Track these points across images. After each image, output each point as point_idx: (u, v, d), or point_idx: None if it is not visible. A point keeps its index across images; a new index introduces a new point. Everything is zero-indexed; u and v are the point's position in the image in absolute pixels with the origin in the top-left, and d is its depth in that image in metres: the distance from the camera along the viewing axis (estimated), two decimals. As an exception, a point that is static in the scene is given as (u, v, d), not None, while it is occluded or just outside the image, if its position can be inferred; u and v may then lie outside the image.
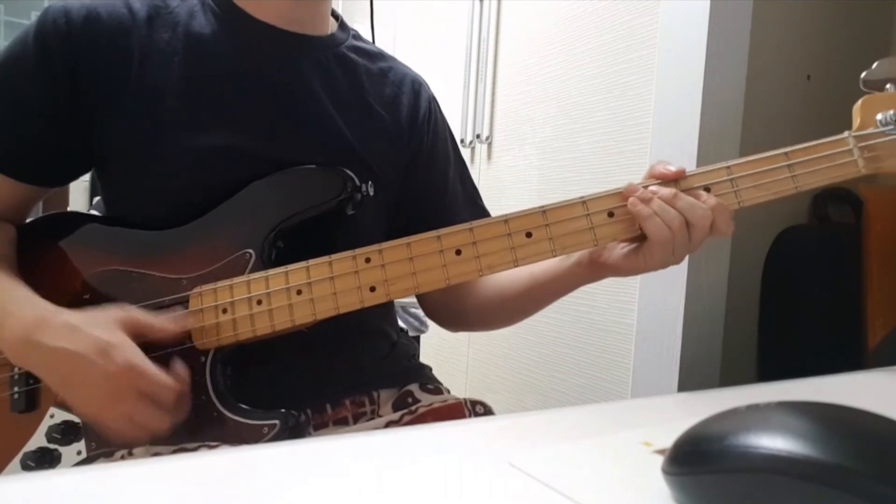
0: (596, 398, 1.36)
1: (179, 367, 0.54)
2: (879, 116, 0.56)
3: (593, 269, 0.63)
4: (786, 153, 0.55)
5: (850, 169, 0.55)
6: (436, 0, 1.88)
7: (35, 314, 0.54)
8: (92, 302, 0.59)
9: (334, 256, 0.57)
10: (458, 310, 0.78)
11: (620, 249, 0.59)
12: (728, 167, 0.55)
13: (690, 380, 1.16)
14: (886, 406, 0.32)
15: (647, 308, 1.23)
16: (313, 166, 0.62)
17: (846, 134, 0.56)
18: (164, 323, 0.55)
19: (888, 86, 0.57)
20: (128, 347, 0.51)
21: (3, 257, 0.61)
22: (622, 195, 0.56)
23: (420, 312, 1.39)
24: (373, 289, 0.56)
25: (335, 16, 0.74)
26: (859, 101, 0.57)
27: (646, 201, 0.55)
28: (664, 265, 0.58)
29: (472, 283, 0.75)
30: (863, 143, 0.55)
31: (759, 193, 0.55)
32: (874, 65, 0.58)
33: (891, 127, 0.55)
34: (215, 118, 0.62)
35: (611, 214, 0.56)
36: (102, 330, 0.52)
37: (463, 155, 0.83)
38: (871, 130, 0.56)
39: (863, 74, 0.58)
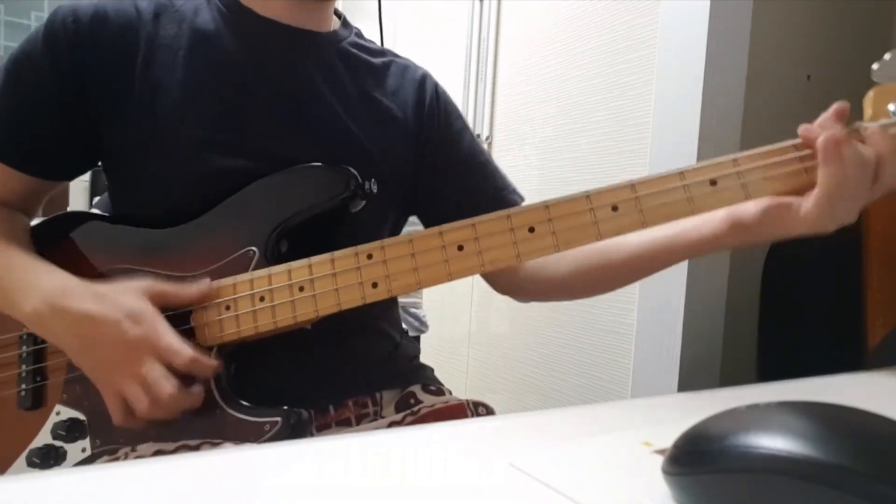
0: (596, 398, 1.36)
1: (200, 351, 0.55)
2: (891, 107, 0.53)
3: (733, 233, 0.57)
4: (795, 144, 0.53)
5: None
6: (436, 0, 1.88)
7: (60, 282, 0.56)
8: None
9: (337, 253, 0.57)
10: (548, 277, 0.73)
11: (767, 207, 0.53)
12: (734, 160, 0.53)
13: (690, 380, 1.16)
14: (886, 406, 0.32)
15: (647, 308, 1.24)
16: (317, 164, 0.62)
17: (857, 125, 0.53)
18: (186, 289, 0.57)
19: None
20: (152, 314, 0.53)
21: (18, 240, 0.62)
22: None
23: (420, 313, 1.39)
24: (375, 285, 0.56)
25: (337, 14, 0.75)
26: (871, 92, 0.54)
27: (839, 143, 0.49)
28: (835, 219, 0.51)
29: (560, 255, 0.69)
30: None
31: (769, 187, 0.53)
32: (886, 55, 0.54)
33: None
34: (218, 113, 0.62)
35: (615, 209, 0.54)
36: (128, 297, 0.54)
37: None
38: (882, 122, 0.53)
39: (874, 66, 0.54)
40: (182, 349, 0.52)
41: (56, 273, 0.57)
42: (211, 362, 0.55)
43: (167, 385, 0.52)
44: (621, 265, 0.66)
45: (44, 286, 0.56)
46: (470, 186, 0.75)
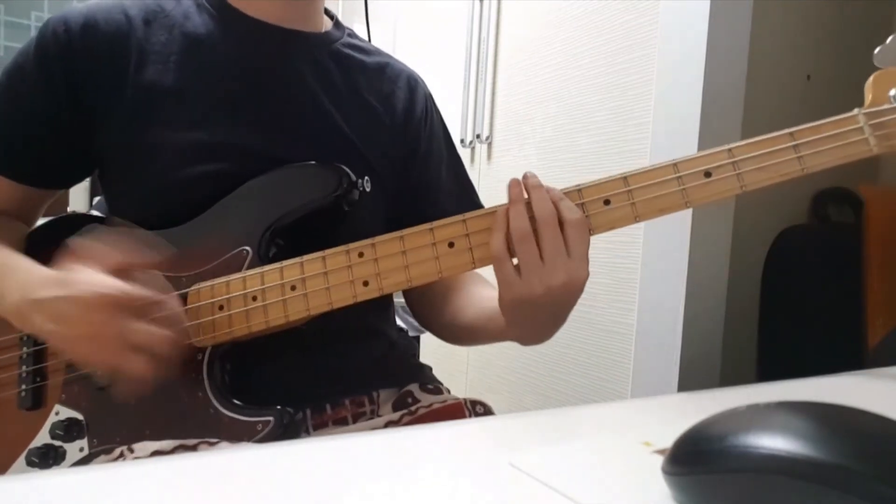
0: (596, 398, 1.36)
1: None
2: (893, 92, 0.52)
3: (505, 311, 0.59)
4: (791, 133, 0.52)
5: (860, 148, 0.52)
6: (436, 0, 1.88)
7: (36, 276, 0.55)
8: None
9: (328, 251, 0.57)
10: (436, 321, 0.77)
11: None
12: (729, 150, 0.53)
13: (690, 380, 1.16)
14: (886, 406, 0.32)
15: (647, 308, 1.23)
16: (309, 163, 0.62)
17: (856, 111, 0.52)
18: (145, 253, 0.55)
19: None
20: (110, 278, 0.52)
21: (9, 245, 0.62)
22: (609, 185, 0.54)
23: (420, 312, 1.39)
24: (366, 283, 0.56)
25: (330, 15, 0.75)
26: (871, 77, 0.53)
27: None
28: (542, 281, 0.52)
29: (453, 299, 0.74)
30: (874, 121, 0.51)
31: (763, 176, 0.52)
32: (888, 39, 0.54)
33: None
34: (212, 115, 0.63)
35: (607, 202, 0.54)
36: (88, 273, 0.52)
37: (459, 151, 0.83)
38: (884, 107, 0.52)
39: (876, 50, 0.54)
40: (144, 295, 0.51)
41: (36, 269, 0.57)
42: (169, 298, 0.53)
43: (154, 331, 0.51)
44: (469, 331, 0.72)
45: (23, 282, 0.56)
46: (434, 206, 0.75)
